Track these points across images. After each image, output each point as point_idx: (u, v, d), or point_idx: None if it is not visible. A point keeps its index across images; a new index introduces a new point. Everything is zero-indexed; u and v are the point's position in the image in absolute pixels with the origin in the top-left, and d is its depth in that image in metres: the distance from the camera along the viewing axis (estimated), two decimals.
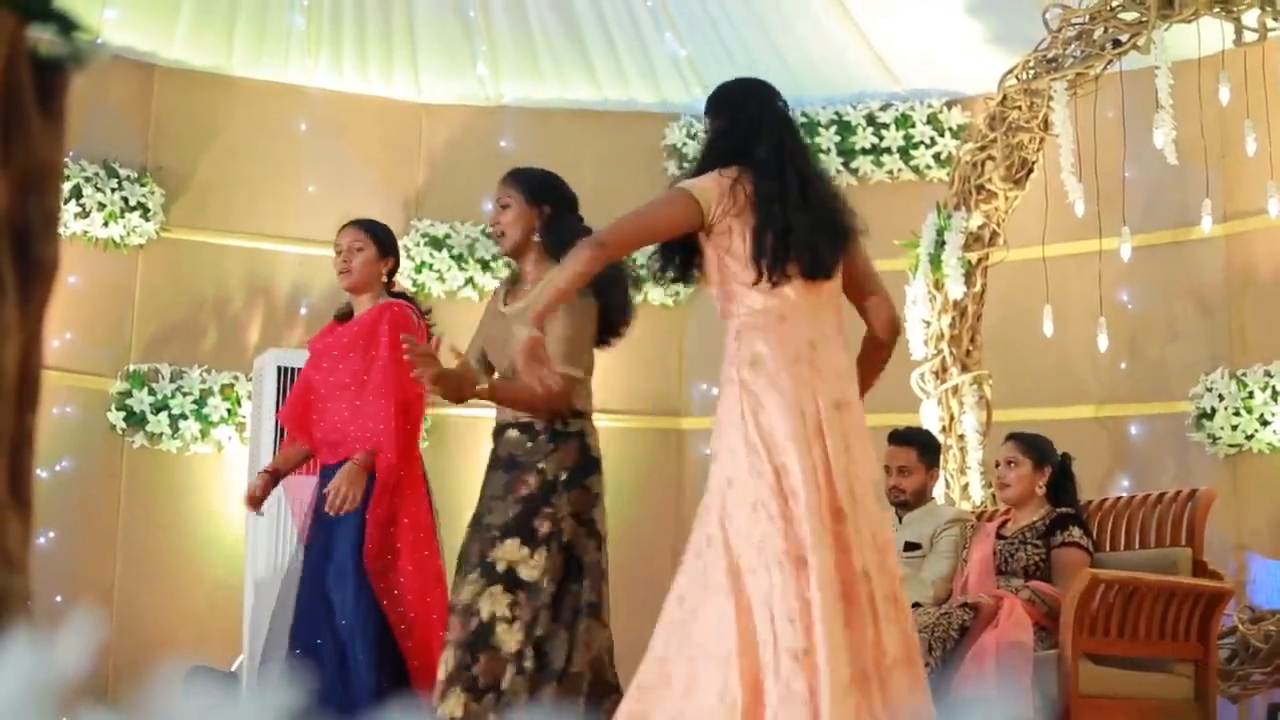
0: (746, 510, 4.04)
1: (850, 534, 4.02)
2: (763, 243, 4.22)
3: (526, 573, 4.75)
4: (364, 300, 5.83)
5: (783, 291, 4.23)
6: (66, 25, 1.65)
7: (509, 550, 4.78)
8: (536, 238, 5.11)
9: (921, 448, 6.64)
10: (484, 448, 9.02)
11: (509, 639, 4.69)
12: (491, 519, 4.88)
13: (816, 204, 4.33)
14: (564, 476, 4.86)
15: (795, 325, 4.21)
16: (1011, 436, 6.40)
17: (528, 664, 4.66)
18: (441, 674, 4.75)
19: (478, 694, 4.67)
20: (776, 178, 4.29)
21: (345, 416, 5.59)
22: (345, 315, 5.89)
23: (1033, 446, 6.29)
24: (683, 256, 4.37)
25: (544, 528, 4.79)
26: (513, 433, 5.00)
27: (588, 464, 4.92)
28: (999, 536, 6.18)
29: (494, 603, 4.73)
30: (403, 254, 9.32)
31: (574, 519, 4.85)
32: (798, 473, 4.03)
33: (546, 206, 5.12)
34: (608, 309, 5.02)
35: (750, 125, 4.41)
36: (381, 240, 5.93)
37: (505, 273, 9.43)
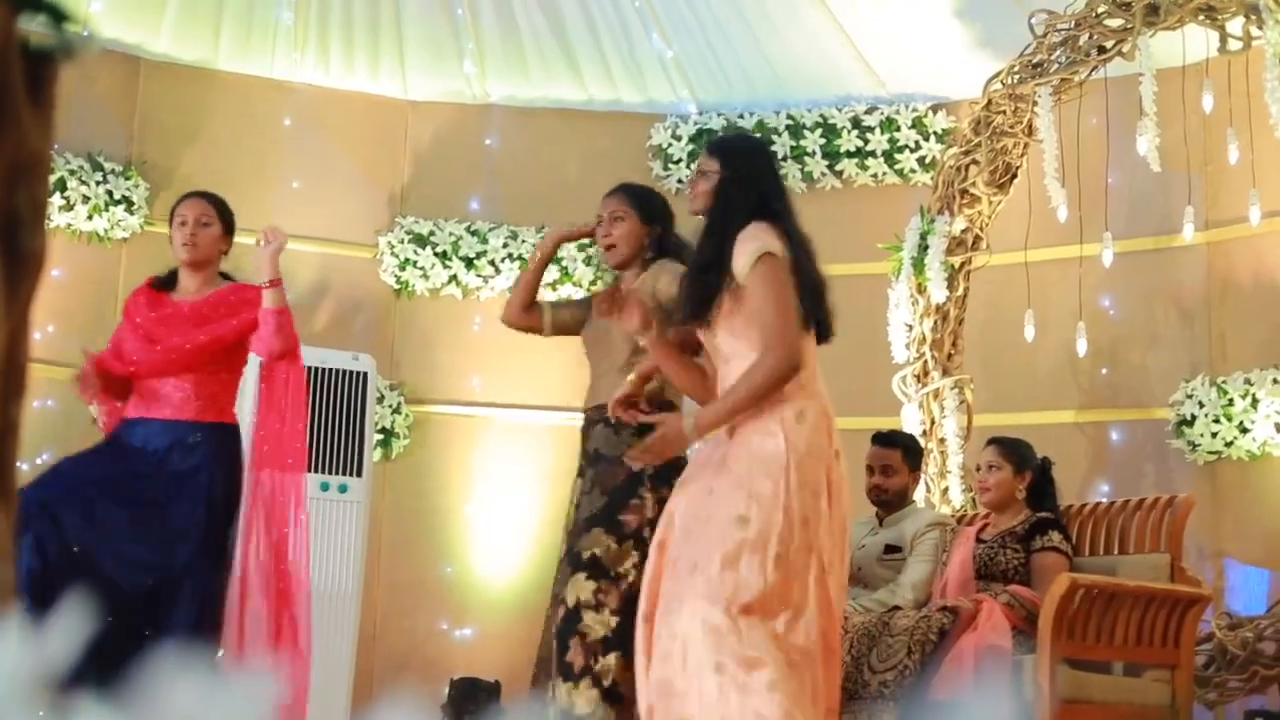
0: (765, 557, 4.13)
1: (833, 589, 4.25)
2: (810, 299, 4.39)
3: (610, 562, 4.81)
4: (204, 275, 5.87)
5: (812, 348, 4.39)
6: (57, 16, 1.65)
7: (593, 539, 4.88)
8: (648, 255, 5.27)
9: (905, 449, 6.67)
10: (485, 444, 9.02)
11: (597, 625, 4.77)
12: (581, 513, 5.01)
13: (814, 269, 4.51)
14: (650, 470, 4.90)
15: (818, 382, 4.40)
16: (992, 441, 6.42)
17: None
18: (545, 664, 4.91)
19: (574, 680, 4.76)
20: (796, 237, 4.46)
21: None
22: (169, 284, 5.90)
23: (1013, 451, 6.31)
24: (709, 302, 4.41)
25: (631, 521, 4.86)
26: (599, 428, 5.09)
27: (675, 460, 4.92)
28: (978, 540, 6.20)
29: (578, 589, 4.83)
30: (386, 250, 9.38)
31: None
32: (821, 530, 4.20)
33: (658, 226, 5.29)
34: None
35: (760, 180, 4.50)
36: (229, 219, 6.00)
37: (489, 270, 9.47)
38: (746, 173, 4.52)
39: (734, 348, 4.35)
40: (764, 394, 4.24)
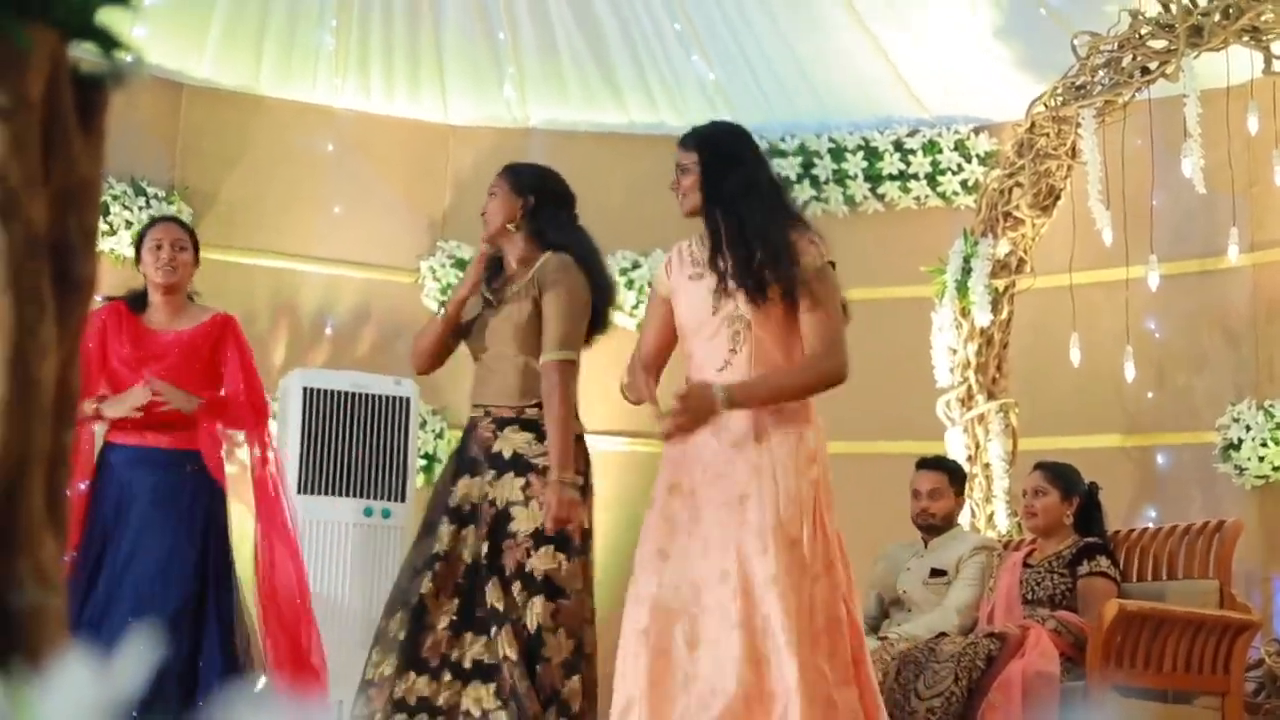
0: (802, 564, 4.09)
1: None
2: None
3: (563, 580, 4.73)
4: (178, 299, 5.96)
5: None
6: (107, 42, 1.64)
7: (545, 557, 4.74)
8: (513, 228, 5.13)
9: (951, 473, 6.64)
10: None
11: (556, 649, 4.68)
12: (520, 525, 4.80)
13: None
14: (581, 482, 4.83)
15: None
16: (1039, 466, 6.38)
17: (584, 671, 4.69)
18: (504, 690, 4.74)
19: (544, 704, 4.67)
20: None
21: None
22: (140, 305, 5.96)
23: (1060, 476, 6.27)
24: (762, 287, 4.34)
25: (577, 535, 4.78)
26: (511, 430, 4.94)
27: (589, 466, 4.92)
28: (1025, 565, 6.16)
29: (536, 613, 4.70)
30: (428, 275, 9.38)
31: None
32: (835, 538, 4.20)
33: (530, 198, 5.13)
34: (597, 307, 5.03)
35: (746, 160, 4.45)
36: (198, 246, 6.14)
37: None
38: (729, 152, 4.44)
39: (771, 345, 4.30)
40: (808, 392, 4.23)
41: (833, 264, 4.30)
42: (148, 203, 8.89)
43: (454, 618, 4.72)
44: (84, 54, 1.64)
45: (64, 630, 1.52)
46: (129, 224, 8.79)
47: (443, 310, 5.27)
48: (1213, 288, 8.52)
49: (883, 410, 8.62)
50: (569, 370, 4.83)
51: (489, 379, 5.01)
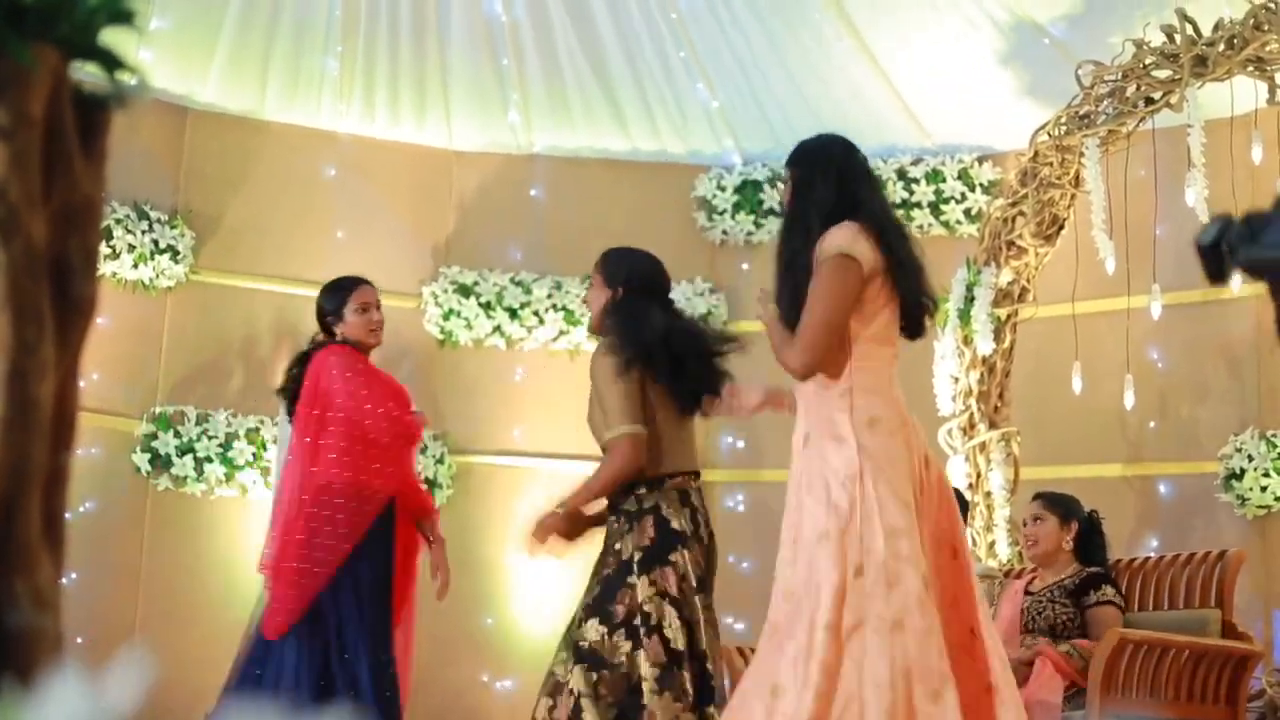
0: (844, 570, 4.03)
1: (939, 594, 4.13)
2: (911, 300, 4.31)
3: (606, 653, 4.74)
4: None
5: (896, 352, 4.31)
6: (111, 63, 1.64)
7: (589, 630, 4.80)
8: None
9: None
10: (528, 494, 9.01)
11: (590, 717, 4.69)
12: (584, 598, 4.93)
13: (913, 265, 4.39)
14: (638, 555, 4.83)
15: (896, 386, 4.29)
16: (1038, 495, 6.38)
17: None
18: None
19: None
20: (893, 233, 4.35)
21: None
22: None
23: (1057, 502, 6.27)
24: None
25: (620, 611, 4.77)
26: (608, 518, 5.04)
27: (663, 541, 4.85)
28: (1027, 593, 6.14)
29: (579, 681, 4.74)
30: (430, 300, 9.39)
31: (662, 599, 4.79)
32: (906, 540, 4.05)
33: (618, 289, 5.20)
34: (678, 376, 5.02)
35: (844, 178, 4.40)
36: None
37: (533, 321, 9.47)
38: (823, 167, 4.41)
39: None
40: (779, 359, 4.25)
41: (850, 256, 4.24)
42: (150, 226, 8.89)
43: None
44: (86, 76, 1.64)
45: (58, 651, 1.52)
46: (132, 247, 8.79)
47: None
48: (1215, 318, 8.51)
49: None
50: (618, 445, 4.86)
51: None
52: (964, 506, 6.76)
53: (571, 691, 4.74)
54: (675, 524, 4.84)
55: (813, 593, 4.02)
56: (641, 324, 4.98)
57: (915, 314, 4.35)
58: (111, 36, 1.62)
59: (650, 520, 4.84)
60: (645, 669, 4.67)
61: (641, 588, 4.76)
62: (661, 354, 4.93)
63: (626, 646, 4.72)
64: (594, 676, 4.71)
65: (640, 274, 5.24)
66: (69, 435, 1.62)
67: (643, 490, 4.87)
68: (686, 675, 4.74)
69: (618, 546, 4.84)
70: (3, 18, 1.51)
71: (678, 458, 4.96)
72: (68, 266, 1.60)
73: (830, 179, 4.37)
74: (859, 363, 4.21)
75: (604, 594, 4.82)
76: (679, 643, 4.72)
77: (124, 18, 1.62)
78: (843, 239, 4.21)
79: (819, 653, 3.93)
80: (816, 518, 4.10)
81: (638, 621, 4.72)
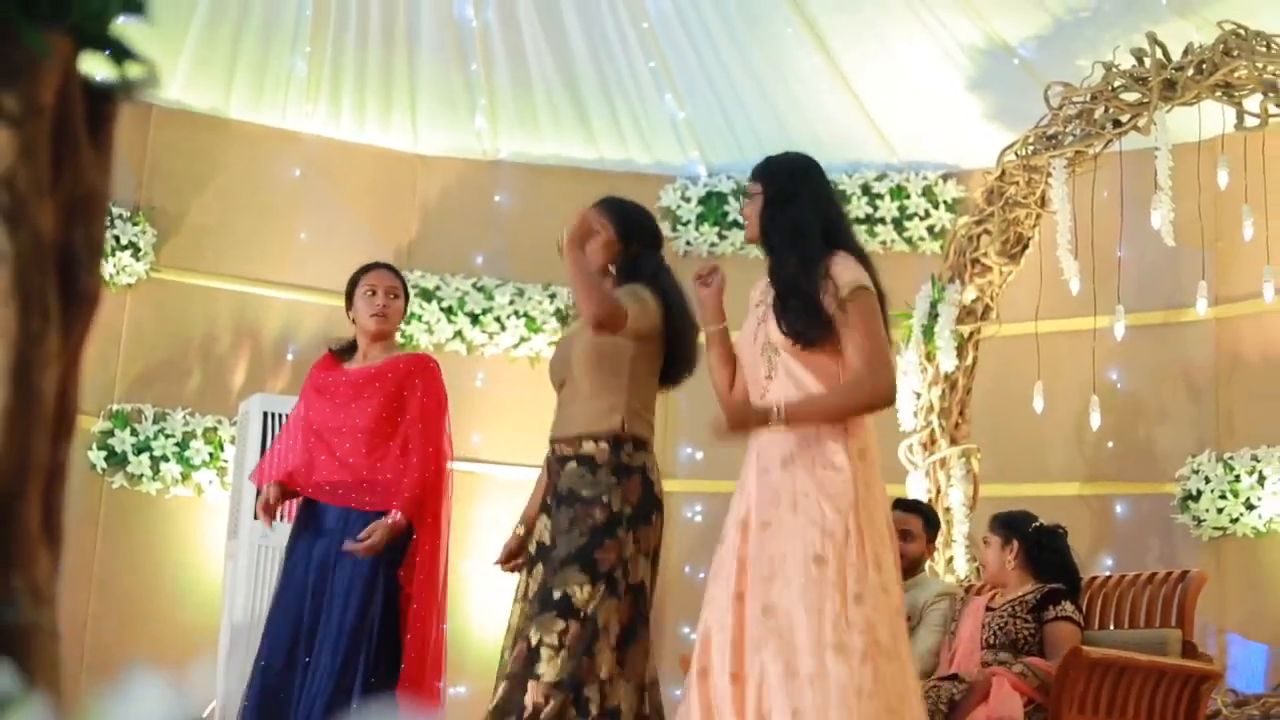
0: (844, 594, 4.06)
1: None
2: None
3: (580, 602, 4.67)
4: (382, 346, 5.78)
5: None
6: (122, 54, 1.62)
7: (566, 578, 4.68)
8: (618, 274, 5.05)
9: (926, 518, 6.63)
10: (485, 501, 8.96)
11: (549, 668, 4.61)
12: (557, 551, 4.77)
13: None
14: (629, 512, 4.78)
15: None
16: (992, 517, 6.40)
17: (593, 709, 4.60)
18: (492, 704, 4.69)
19: None
20: (870, 264, 4.41)
21: (374, 462, 5.56)
22: (347, 353, 5.85)
23: (1001, 524, 6.29)
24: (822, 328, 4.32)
25: (605, 560, 4.71)
26: (572, 465, 4.89)
27: (650, 502, 4.81)
28: (988, 609, 6.15)
29: (543, 629, 4.65)
30: None
31: (645, 557, 4.77)
32: (889, 568, 4.16)
33: (634, 245, 5.05)
34: (675, 354, 4.98)
35: (819, 201, 4.43)
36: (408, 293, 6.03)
37: (494, 327, 9.45)
38: (791, 189, 4.43)
39: (802, 372, 4.28)
40: (853, 412, 4.22)
41: (875, 289, 4.27)
42: (111, 222, 8.83)
43: None
44: (97, 65, 1.62)
45: (56, 647, 1.50)
46: None
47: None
48: (1176, 340, 8.56)
49: None
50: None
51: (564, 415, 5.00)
52: (935, 525, 6.77)
53: (528, 639, 4.64)
54: (656, 489, 4.82)
55: (812, 614, 4.04)
56: (681, 297, 4.97)
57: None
58: (122, 27, 1.61)
59: (638, 479, 4.79)
60: (613, 625, 4.65)
61: (628, 543, 4.73)
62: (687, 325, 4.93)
63: (599, 597, 4.67)
64: (562, 625, 4.65)
65: (651, 227, 5.18)
66: (69, 428, 1.60)
67: (630, 449, 4.83)
68: (649, 638, 4.74)
69: (606, 499, 4.73)
70: (17, 4, 1.49)
71: (652, 428, 4.94)
72: (73, 258, 1.59)
73: (804, 200, 4.39)
74: None
75: (590, 543, 4.72)
76: (646, 605, 4.73)
77: (136, 7, 1.61)
78: (858, 272, 4.27)
79: (835, 674, 3.97)
80: (809, 541, 4.10)
81: (619, 574, 4.68)
